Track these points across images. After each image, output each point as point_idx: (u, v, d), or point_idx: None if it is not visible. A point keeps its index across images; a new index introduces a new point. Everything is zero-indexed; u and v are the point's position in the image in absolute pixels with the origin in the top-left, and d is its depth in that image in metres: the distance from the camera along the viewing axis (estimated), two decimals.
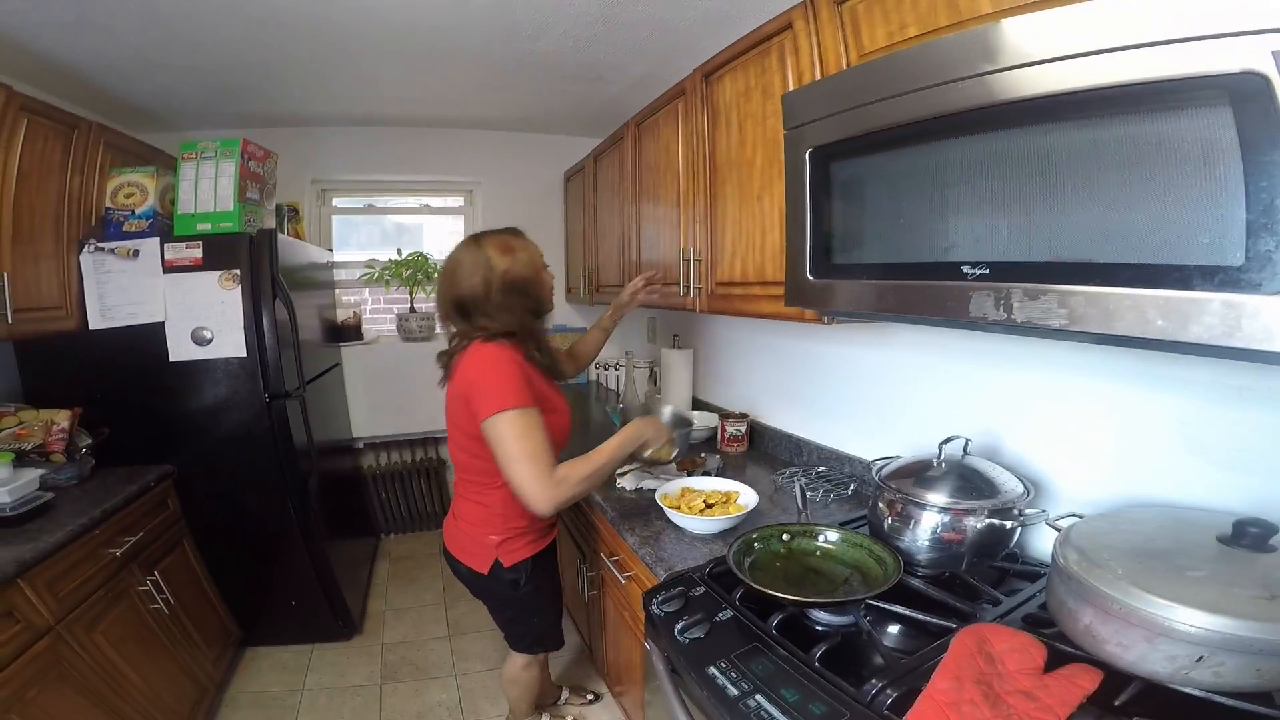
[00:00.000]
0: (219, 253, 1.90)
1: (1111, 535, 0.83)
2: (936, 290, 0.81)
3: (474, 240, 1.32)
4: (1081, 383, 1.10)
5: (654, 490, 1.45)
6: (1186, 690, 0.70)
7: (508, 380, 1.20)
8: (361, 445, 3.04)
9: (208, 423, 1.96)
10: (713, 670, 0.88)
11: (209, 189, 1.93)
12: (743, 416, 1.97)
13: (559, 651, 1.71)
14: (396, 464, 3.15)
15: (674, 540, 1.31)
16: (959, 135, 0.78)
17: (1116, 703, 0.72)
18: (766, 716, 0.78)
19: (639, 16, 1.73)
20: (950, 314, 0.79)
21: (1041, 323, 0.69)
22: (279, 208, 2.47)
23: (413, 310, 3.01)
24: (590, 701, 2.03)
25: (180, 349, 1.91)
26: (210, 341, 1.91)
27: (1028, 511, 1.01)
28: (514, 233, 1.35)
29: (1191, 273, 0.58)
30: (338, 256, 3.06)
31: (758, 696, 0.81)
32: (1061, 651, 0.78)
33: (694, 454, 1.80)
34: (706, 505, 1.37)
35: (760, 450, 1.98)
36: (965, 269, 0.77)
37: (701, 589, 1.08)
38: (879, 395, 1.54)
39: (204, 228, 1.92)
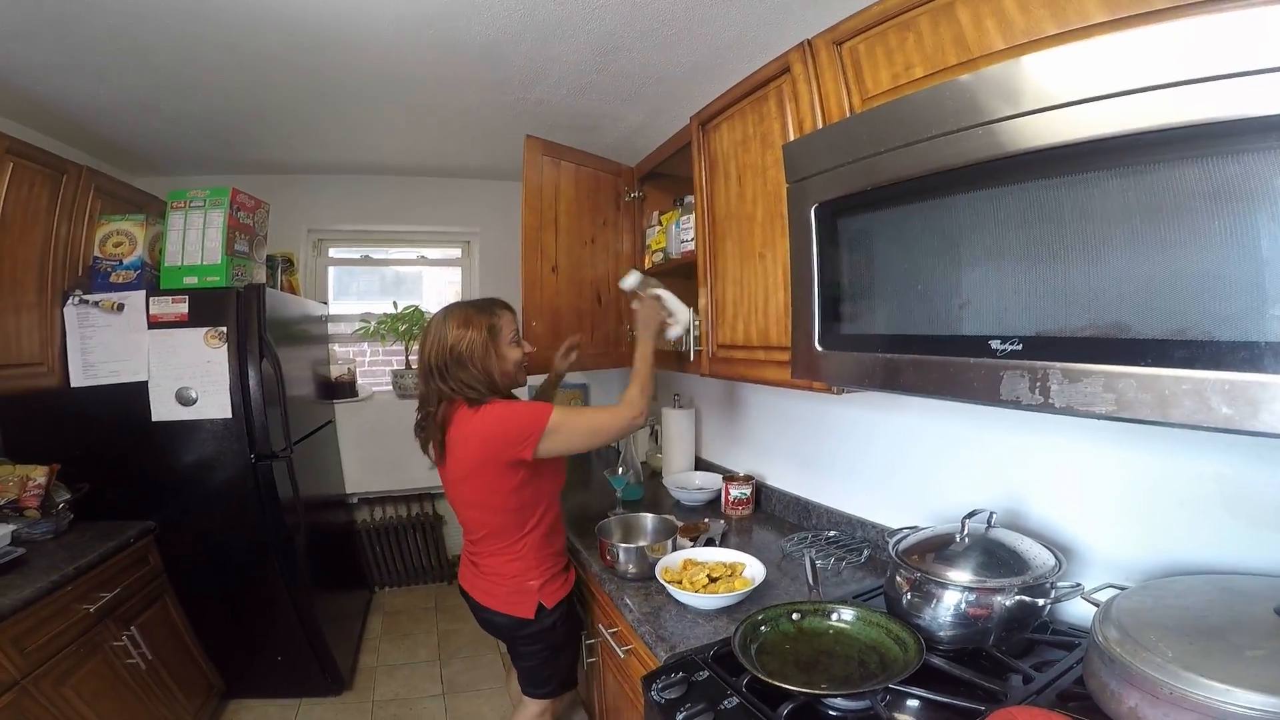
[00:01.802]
0: (205, 308, 1.86)
1: (1156, 611, 0.76)
2: (961, 368, 0.73)
3: (446, 309, 1.40)
4: (1113, 448, 1.02)
5: (655, 564, 1.36)
6: None
7: (528, 407, 1.32)
8: (355, 500, 2.96)
9: (192, 481, 1.90)
10: None
11: (196, 240, 1.90)
12: (748, 479, 1.87)
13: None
14: (391, 518, 3.06)
15: (675, 617, 1.22)
16: (980, 188, 0.71)
17: None
18: None
19: (632, 65, 1.73)
20: (977, 396, 0.71)
21: (1085, 409, 0.61)
22: (271, 258, 2.44)
23: (408, 366, 2.96)
24: None
25: (164, 409, 1.85)
26: (195, 402, 1.86)
27: (1061, 585, 0.92)
28: (485, 305, 1.41)
29: (1263, 351, 0.51)
30: (335, 308, 3.03)
31: None
32: None
33: (696, 518, 1.71)
34: (710, 579, 1.27)
35: (766, 513, 1.88)
36: (994, 344, 0.69)
37: (705, 673, 0.98)
38: (893, 460, 1.45)
39: (191, 281, 1.88)
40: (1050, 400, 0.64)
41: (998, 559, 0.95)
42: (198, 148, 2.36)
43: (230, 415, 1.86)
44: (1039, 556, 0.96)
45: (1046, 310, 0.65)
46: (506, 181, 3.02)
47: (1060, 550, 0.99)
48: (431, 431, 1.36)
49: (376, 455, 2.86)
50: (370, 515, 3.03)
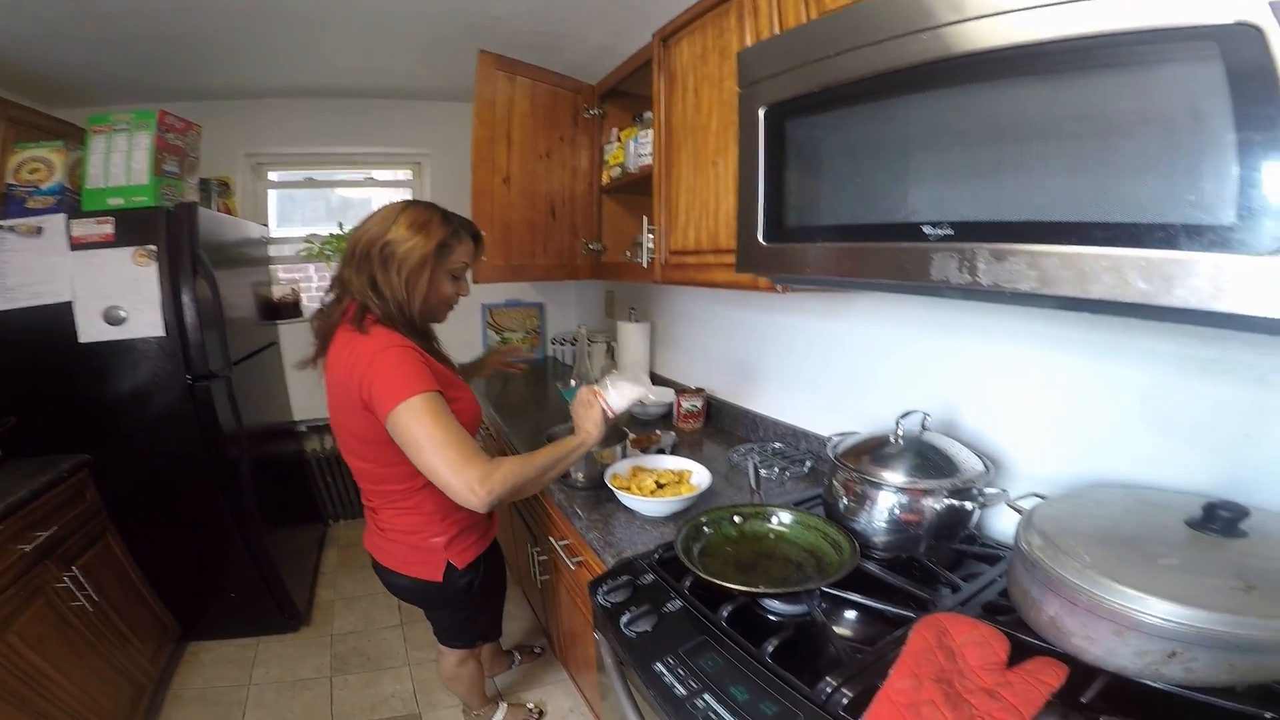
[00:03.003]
0: (133, 228, 1.75)
1: (1077, 518, 0.78)
2: (895, 253, 0.75)
3: (410, 202, 1.18)
4: (1042, 354, 1.06)
5: (604, 470, 1.37)
6: (1156, 685, 0.67)
7: (405, 366, 1.05)
8: (304, 428, 2.89)
9: (127, 408, 1.82)
10: (659, 667, 0.83)
11: (121, 162, 1.78)
12: (699, 392, 1.91)
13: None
14: (338, 448, 3.01)
15: (624, 524, 1.25)
16: (922, 91, 0.72)
17: (1083, 699, 0.69)
18: (715, 718, 0.73)
19: None
20: (910, 278, 0.72)
21: (1009, 286, 0.63)
22: (205, 182, 2.31)
23: None
24: (539, 654, 2.05)
25: (91, 329, 1.75)
26: (124, 321, 1.76)
27: (988, 491, 0.96)
28: (453, 220, 1.18)
29: (1177, 231, 0.53)
30: (279, 233, 2.87)
31: (706, 696, 0.76)
32: (1025, 644, 0.75)
33: (649, 430, 1.73)
34: (658, 485, 1.30)
35: (717, 427, 1.93)
36: (926, 229, 0.70)
37: (650, 577, 1.01)
38: (836, 368, 1.50)
39: (116, 203, 1.77)
40: (978, 279, 0.65)
41: (930, 462, 0.99)
42: (123, 77, 2.17)
43: (164, 334, 1.78)
44: (968, 461, 0.99)
45: (977, 200, 0.67)
46: (462, 103, 2.85)
47: (990, 459, 1.03)
48: (320, 328, 1.16)
49: (322, 379, 2.79)
50: (320, 444, 2.95)
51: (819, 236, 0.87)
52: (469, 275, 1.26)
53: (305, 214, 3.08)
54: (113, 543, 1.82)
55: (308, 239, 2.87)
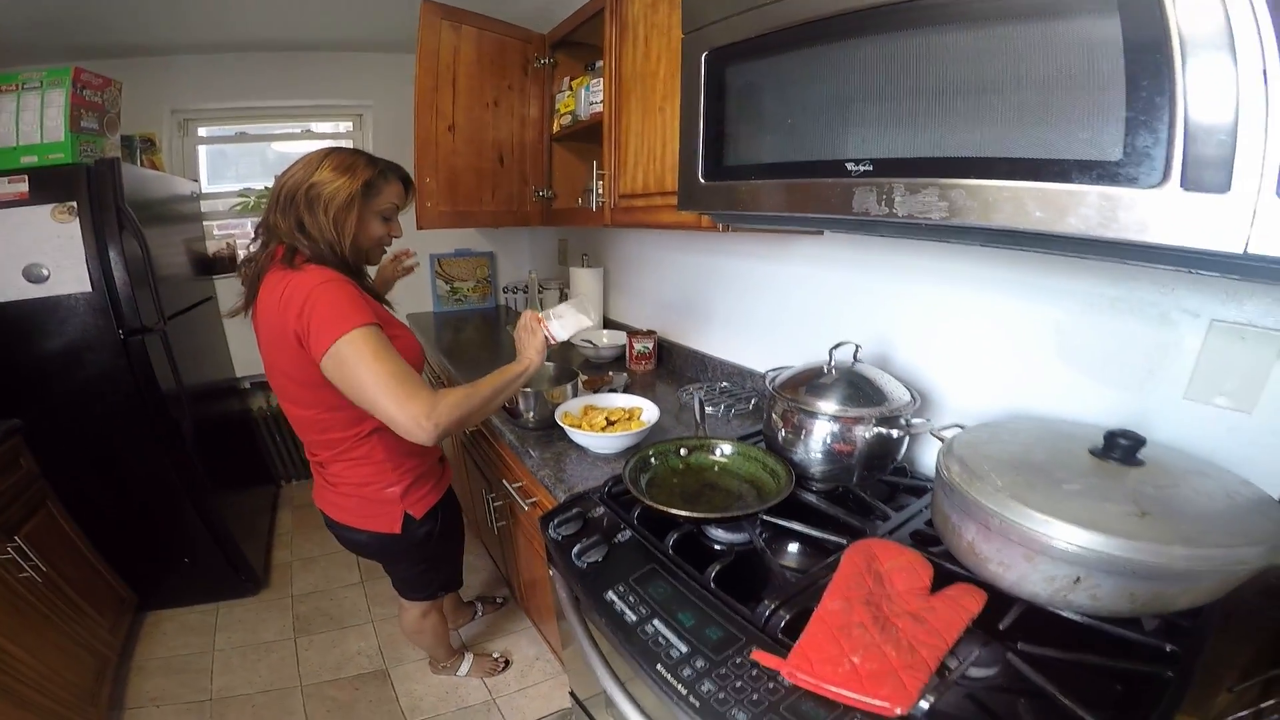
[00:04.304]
0: (49, 185, 1.65)
1: (991, 446, 0.82)
2: (821, 187, 0.79)
3: (333, 147, 1.15)
4: (967, 293, 1.13)
5: (556, 409, 1.39)
6: (1066, 615, 0.72)
7: (343, 299, 1.01)
8: (248, 385, 2.81)
9: (58, 368, 1.74)
10: (611, 595, 0.86)
11: (33, 120, 1.67)
12: (650, 334, 1.95)
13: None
14: None
15: (576, 461, 1.28)
16: (852, 38, 0.74)
17: (1001, 626, 0.73)
18: (665, 643, 0.76)
19: None
20: (834, 210, 0.77)
21: (922, 216, 0.67)
22: (129, 139, 2.21)
23: None
24: (501, 605, 2.10)
25: (10, 289, 1.65)
26: (46, 279, 1.66)
27: (914, 421, 1.03)
28: (379, 162, 1.15)
29: (1070, 167, 0.57)
30: (212, 189, 2.74)
31: (655, 621, 0.80)
32: (947, 571, 0.80)
33: (601, 372, 1.77)
34: (609, 423, 1.33)
35: (668, 368, 1.99)
36: (849, 166, 0.74)
37: (600, 510, 1.05)
38: (778, 308, 1.57)
39: (29, 160, 1.66)
40: (894, 210, 0.70)
41: (861, 392, 1.04)
42: (29, 35, 1.99)
43: (90, 289, 1.69)
44: (897, 392, 1.06)
45: (895, 139, 0.71)
46: (406, 54, 2.72)
47: (918, 392, 1.10)
48: (248, 274, 1.12)
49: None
50: (267, 402, 2.88)
51: (754, 174, 0.90)
52: (395, 220, 1.24)
53: (240, 170, 2.92)
54: (54, 511, 1.76)
55: (242, 193, 2.74)
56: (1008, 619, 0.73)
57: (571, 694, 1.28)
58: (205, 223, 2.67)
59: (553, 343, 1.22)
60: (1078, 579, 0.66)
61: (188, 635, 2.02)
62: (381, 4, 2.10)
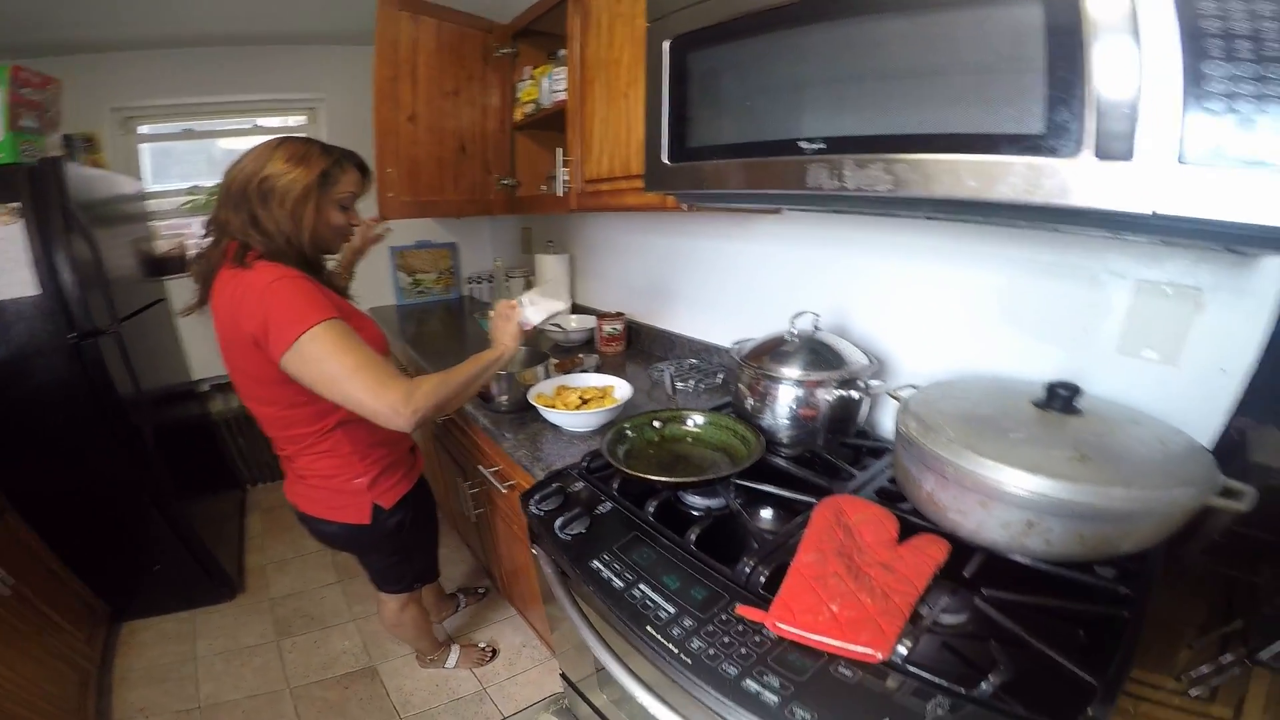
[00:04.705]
0: None
1: (944, 402, 0.89)
2: (778, 165, 0.83)
3: (284, 137, 1.11)
4: (918, 263, 1.20)
5: (528, 391, 1.41)
6: (1025, 561, 0.78)
7: (300, 296, 0.99)
8: (207, 387, 2.74)
9: (8, 375, 1.67)
10: (596, 564, 0.89)
11: None
12: (619, 315, 1.99)
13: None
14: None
15: (552, 440, 1.31)
16: (803, 24, 0.78)
17: (966, 574, 0.79)
18: (653, 605, 0.80)
19: None
20: (791, 186, 0.82)
21: (870, 188, 0.73)
22: (70, 138, 2.13)
23: None
24: (483, 595, 2.11)
25: None
26: None
27: (872, 383, 1.10)
28: (334, 151, 1.12)
29: (1000, 140, 0.63)
30: (159, 187, 2.64)
31: (642, 585, 0.83)
32: (911, 523, 0.86)
33: (572, 355, 1.80)
34: (583, 401, 1.36)
35: (638, 349, 2.03)
36: (803, 145, 0.79)
37: (580, 484, 1.08)
38: (742, 285, 1.63)
39: None
40: (845, 184, 0.75)
41: (822, 357, 1.11)
42: None
43: (38, 292, 1.63)
44: (855, 356, 1.13)
45: (845, 119, 0.76)
46: (363, 46, 2.66)
47: (875, 357, 1.17)
48: (200, 272, 1.09)
49: None
50: (227, 404, 2.81)
51: (716, 155, 0.94)
52: (354, 208, 1.21)
53: (185, 168, 2.80)
54: (14, 522, 1.70)
55: (191, 191, 2.65)
56: (971, 566, 0.79)
57: (563, 676, 1.31)
58: (153, 223, 2.58)
59: (527, 328, 1.24)
60: (1030, 523, 0.71)
61: (167, 644, 1.98)
62: None
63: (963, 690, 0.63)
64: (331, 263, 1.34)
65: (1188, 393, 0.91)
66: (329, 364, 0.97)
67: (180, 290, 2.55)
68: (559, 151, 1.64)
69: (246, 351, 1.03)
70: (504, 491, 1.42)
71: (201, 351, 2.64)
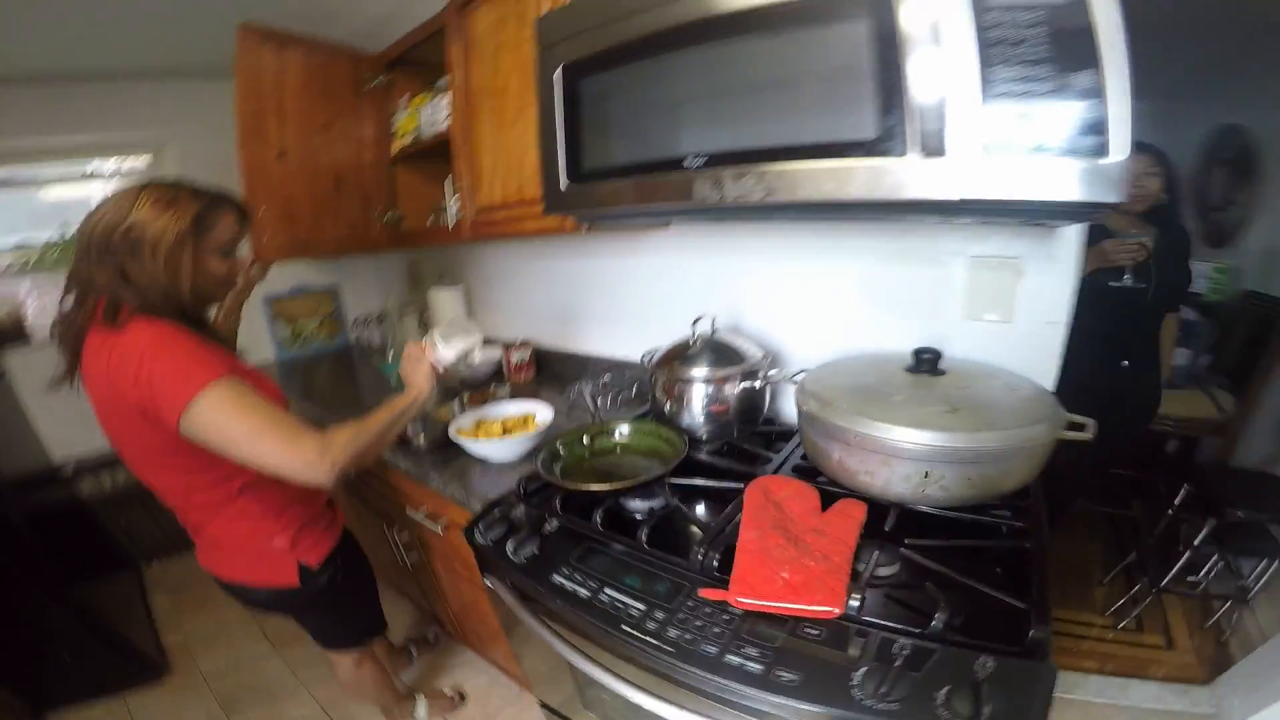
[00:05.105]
0: None
1: (833, 379, 1.01)
2: (666, 181, 0.91)
3: (147, 182, 1.01)
4: (790, 262, 1.35)
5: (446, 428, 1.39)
6: (932, 511, 0.88)
7: (186, 357, 0.93)
8: (71, 470, 2.41)
9: None
10: (558, 579, 0.91)
11: None
12: (525, 344, 2.00)
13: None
14: (130, 483, 2.48)
15: (480, 474, 1.30)
16: (681, 48, 0.86)
17: (886, 529, 0.88)
18: (622, 606, 0.83)
19: None
20: (680, 200, 0.90)
21: (747, 198, 0.82)
22: None
23: None
24: (434, 644, 2.03)
25: None
26: None
27: (770, 373, 1.21)
28: (207, 194, 1.03)
29: (845, 147, 0.74)
30: None
31: (607, 590, 0.86)
32: (829, 492, 0.94)
33: (483, 387, 1.78)
34: (505, 430, 1.36)
35: (548, 374, 2.04)
36: (687, 161, 0.88)
37: (520, 508, 1.08)
38: (641, 298, 1.70)
39: None
40: (724, 195, 0.84)
41: (724, 355, 1.20)
42: None
43: None
44: (752, 350, 1.23)
45: (721, 136, 0.85)
46: (214, 81, 2.44)
47: (768, 350, 1.28)
48: (65, 336, 0.99)
49: (84, 409, 2.31)
50: (99, 484, 2.49)
51: (611, 175, 1.00)
52: (235, 253, 1.11)
53: (1, 222, 2.45)
54: None
55: (19, 248, 2.33)
56: (889, 521, 0.89)
57: (543, 705, 1.28)
58: None
59: (440, 368, 1.20)
60: (926, 473, 0.82)
61: None
62: (182, 27, 1.90)
63: (918, 630, 0.70)
64: (211, 312, 1.25)
65: (1026, 344, 1.10)
66: (231, 426, 0.92)
67: (22, 363, 2.24)
68: (448, 181, 1.63)
69: (132, 422, 0.95)
70: (439, 532, 1.39)
71: (57, 431, 2.32)
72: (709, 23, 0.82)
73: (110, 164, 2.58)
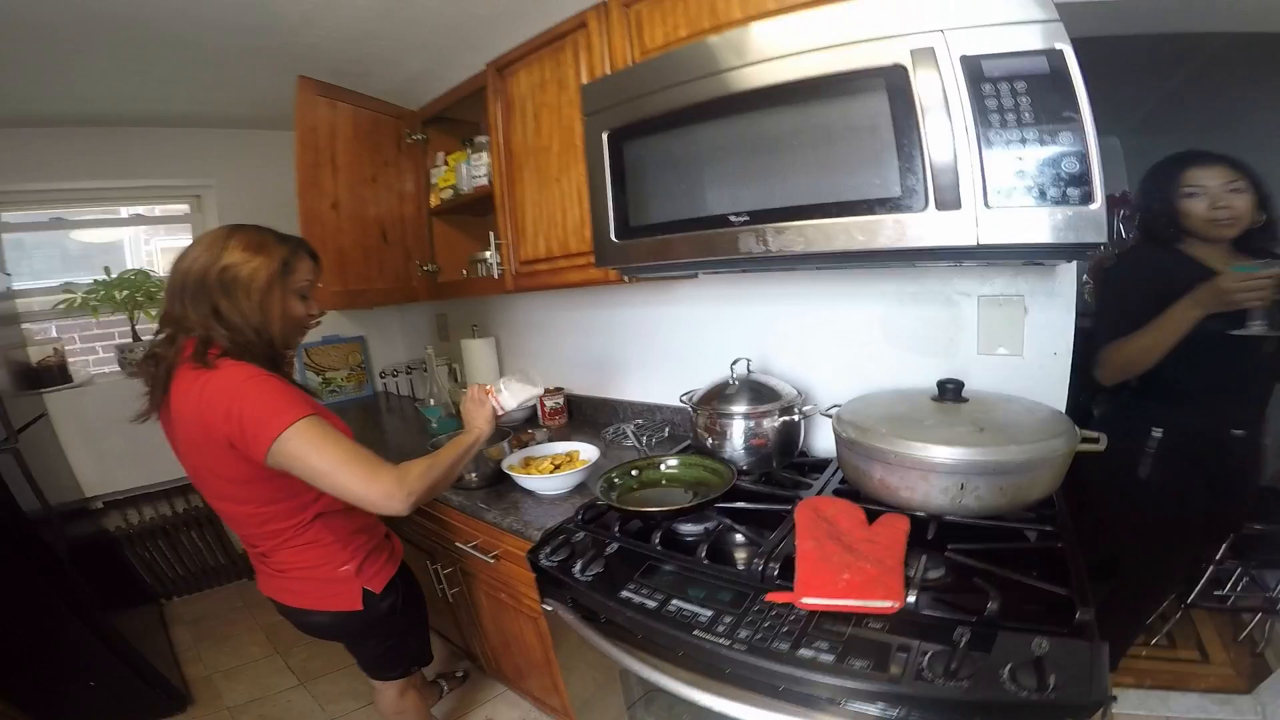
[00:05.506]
0: None
1: (867, 410, 1.10)
2: (713, 236, 1.03)
3: (231, 226, 1.09)
4: (816, 307, 1.46)
5: (496, 466, 1.47)
6: (968, 520, 0.95)
7: (276, 394, 1.00)
8: (100, 505, 2.47)
9: None
10: (626, 593, 0.97)
11: None
12: (558, 390, 2.07)
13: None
14: (154, 520, 2.60)
15: (533, 506, 1.36)
16: (719, 118, 0.99)
17: (929, 537, 0.96)
18: (690, 614, 0.89)
19: (424, 12, 1.65)
20: (727, 253, 1.02)
21: (789, 249, 0.94)
22: None
23: (136, 339, 2.48)
24: (462, 679, 2.03)
25: None
26: None
27: (805, 408, 1.30)
28: (287, 239, 1.12)
29: (873, 204, 0.86)
30: (18, 285, 2.41)
31: (675, 601, 0.93)
32: (872, 509, 1.02)
33: (521, 431, 1.84)
34: (555, 467, 1.44)
35: (581, 418, 2.10)
36: (732, 218, 1.00)
37: (581, 534, 1.15)
38: (672, 345, 1.78)
39: None
40: (769, 248, 0.96)
41: (760, 394, 1.30)
42: None
43: None
44: (786, 389, 1.33)
45: (761, 194, 0.97)
46: (254, 130, 2.63)
47: (799, 388, 1.37)
48: (158, 374, 1.04)
49: (115, 448, 2.38)
50: (125, 520, 2.56)
51: (658, 231, 1.12)
52: (311, 297, 1.21)
53: (37, 265, 2.55)
54: None
55: (65, 288, 2.43)
56: (930, 531, 0.97)
57: None
58: (24, 326, 2.35)
59: (500, 412, 1.29)
60: (962, 485, 0.90)
61: None
62: (235, 78, 2.03)
63: (974, 618, 0.77)
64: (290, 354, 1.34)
65: (1036, 374, 1.20)
66: (315, 458, 0.98)
67: (62, 405, 2.33)
68: (491, 235, 1.73)
69: (219, 453, 1.01)
70: (490, 562, 1.43)
71: (90, 469, 2.40)
72: (735, 99, 0.96)
73: (153, 209, 2.71)
